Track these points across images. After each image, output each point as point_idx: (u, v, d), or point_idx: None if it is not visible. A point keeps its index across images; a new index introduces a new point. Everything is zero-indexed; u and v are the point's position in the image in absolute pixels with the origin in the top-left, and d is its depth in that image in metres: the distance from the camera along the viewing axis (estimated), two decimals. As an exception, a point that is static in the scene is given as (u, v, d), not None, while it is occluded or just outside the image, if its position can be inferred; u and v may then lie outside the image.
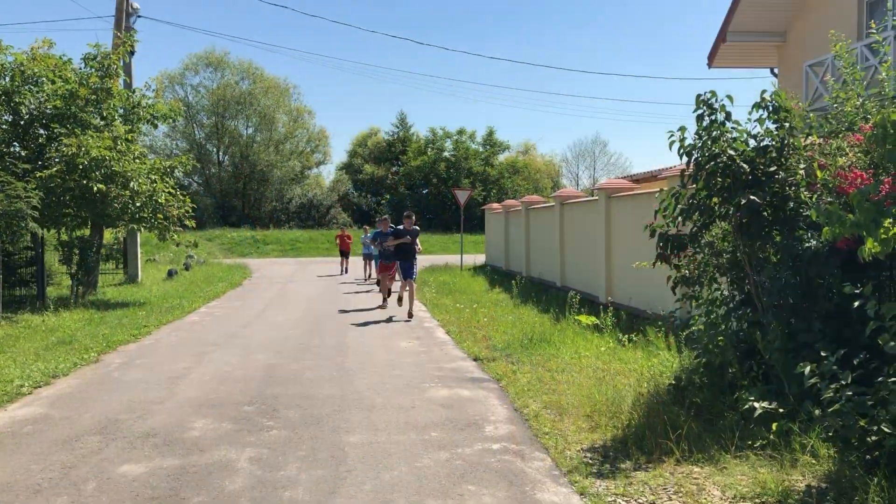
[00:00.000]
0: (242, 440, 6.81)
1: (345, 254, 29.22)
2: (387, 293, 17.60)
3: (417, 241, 16.24)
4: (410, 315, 15.54)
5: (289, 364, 10.50)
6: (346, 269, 29.19)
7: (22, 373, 9.67)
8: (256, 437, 6.92)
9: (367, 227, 23.63)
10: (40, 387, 9.13)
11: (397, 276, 16.72)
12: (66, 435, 7.02)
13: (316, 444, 6.66)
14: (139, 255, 25.45)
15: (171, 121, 21.66)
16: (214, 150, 64.87)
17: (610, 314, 12.42)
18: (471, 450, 6.49)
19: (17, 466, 6.12)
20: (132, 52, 23.28)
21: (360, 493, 5.46)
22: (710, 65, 22.99)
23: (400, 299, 16.53)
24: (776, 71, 22.45)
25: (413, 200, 58.61)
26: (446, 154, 64.09)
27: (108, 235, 24.07)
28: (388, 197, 61.36)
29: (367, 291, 21.23)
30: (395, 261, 16.54)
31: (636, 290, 14.03)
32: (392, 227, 17.13)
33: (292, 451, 6.46)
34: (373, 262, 22.70)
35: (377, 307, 17.46)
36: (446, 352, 11.51)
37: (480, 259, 33.07)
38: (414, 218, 16.59)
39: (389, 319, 15.33)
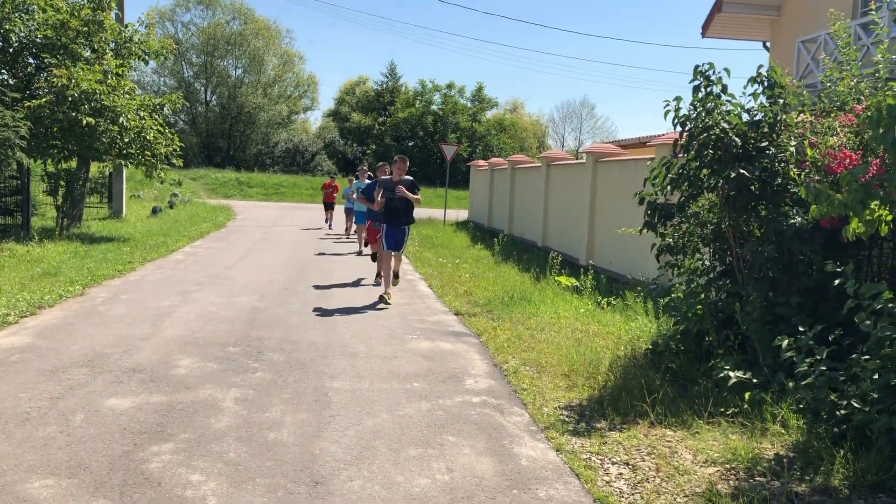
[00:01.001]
0: (227, 380, 6.92)
1: (329, 206, 27.57)
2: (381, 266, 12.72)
3: (417, 192, 11.88)
4: (385, 299, 11.50)
5: (273, 308, 10.59)
6: (331, 222, 27.37)
7: (8, 301, 9.71)
8: (241, 378, 7.03)
9: (352, 178, 22.78)
10: (26, 317, 9.19)
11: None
12: (54, 365, 7.10)
13: (300, 388, 6.78)
14: (124, 191, 25.33)
15: (162, 58, 21.44)
16: (202, 89, 64.55)
17: (590, 277, 12.55)
18: (451, 401, 6.63)
19: (6, 394, 6.20)
20: (125, -15, 22.99)
21: (344, 437, 5.58)
22: (703, 34, 22.90)
23: (379, 275, 13.00)
24: (768, 45, 22.41)
25: (398, 152, 58.00)
26: (434, 107, 63.61)
27: (93, 169, 23.90)
28: (374, 147, 60.95)
29: (352, 251, 20.88)
30: (382, 223, 12.04)
31: (617, 255, 14.16)
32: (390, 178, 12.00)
33: (277, 394, 6.57)
34: (354, 217, 21.34)
35: (374, 282, 13.64)
36: (428, 305, 11.63)
37: (463, 215, 33.11)
38: (408, 164, 12.17)
39: (376, 274, 15.18)
